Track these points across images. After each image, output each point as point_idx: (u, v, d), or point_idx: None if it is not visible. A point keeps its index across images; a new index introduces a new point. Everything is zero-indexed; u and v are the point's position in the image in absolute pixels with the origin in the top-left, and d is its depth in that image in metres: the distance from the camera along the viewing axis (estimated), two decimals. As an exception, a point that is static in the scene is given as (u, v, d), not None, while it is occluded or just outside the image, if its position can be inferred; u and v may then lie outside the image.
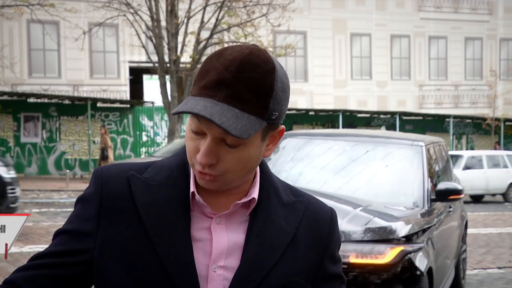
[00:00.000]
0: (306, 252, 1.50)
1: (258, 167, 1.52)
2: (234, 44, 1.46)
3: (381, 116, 27.90)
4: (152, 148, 24.24)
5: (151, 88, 28.88)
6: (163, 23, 17.41)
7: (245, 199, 1.47)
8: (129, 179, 1.47)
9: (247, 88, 1.34)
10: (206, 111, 1.32)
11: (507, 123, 28.85)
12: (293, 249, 1.48)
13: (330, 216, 1.59)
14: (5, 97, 22.88)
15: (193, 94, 1.39)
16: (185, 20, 17.20)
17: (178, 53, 17.24)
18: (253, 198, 1.47)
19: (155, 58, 18.13)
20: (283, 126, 1.47)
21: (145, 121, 25.09)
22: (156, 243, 1.41)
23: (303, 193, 1.59)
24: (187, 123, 1.43)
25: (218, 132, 1.35)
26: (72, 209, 1.62)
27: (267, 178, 1.53)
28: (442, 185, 5.92)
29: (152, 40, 17.49)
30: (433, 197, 5.81)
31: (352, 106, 30.23)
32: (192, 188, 1.45)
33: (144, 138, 25.05)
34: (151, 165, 1.52)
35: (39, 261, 1.48)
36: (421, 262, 4.91)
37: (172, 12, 16.97)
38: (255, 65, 1.36)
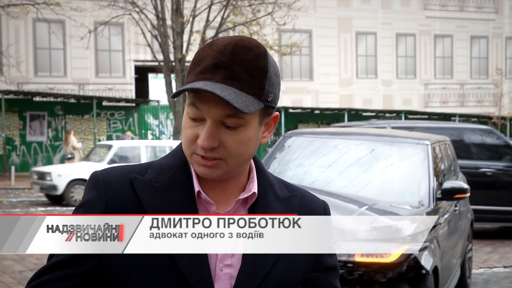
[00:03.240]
0: None
1: (253, 163, 1.55)
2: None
3: (387, 114, 27.86)
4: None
5: (157, 86, 28.92)
6: (169, 22, 17.43)
7: (246, 194, 1.48)
8: (132, 182, 1.46)
9: (243, 69, 1.38)
10: (206, 87, 1.35)
11: (513, 121, 28.78)
12: None
13: (323, 209, 1.62)
14: (11, 96, 22.93)
15: (188, 82, 1.41)
16: (191, 19, 17.21)
17: (184, 51, 17.25)
18: (254, 193, 1.49)
19: (160, 56, 18.14)
20: (277, 113, 1.51)
21: (150, 119, 25.13)
22: None
23: (297, 188, 1.61)
24: (184, 113, 1.43)
25: (218, 115, 1.38)
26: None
27: (262, 174, 1.55)
28: (448, 184, 5.91)
29: (157, 39, 17.50)
30: (439, 196, 5.80)
31: (357, 104, 30.19)
32: (197, 187, 1.46)
33: (150, 137, 25.07)
34: (150, 166, 1.51)
35: (45, 278, 1.42)
36: (426, 261, 4.90)
37: (177, 10, 16.98)
38: (248, 49, 1.40)
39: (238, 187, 1.51)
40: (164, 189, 1.46)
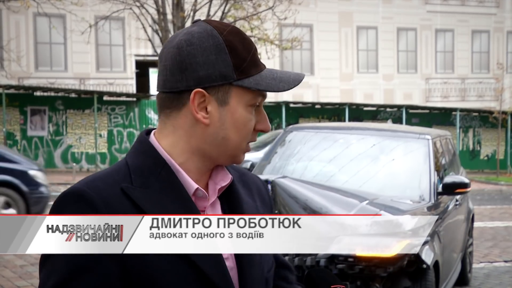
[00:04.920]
0: None
1: None
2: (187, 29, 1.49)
3: (388, 109, 27.81)
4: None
5: (157, 81, 28.82)
6: (169, 17, 17.40)
7: (227, 181, 1.50)
8: (125, 192, 1.40)
9: None
10: (285, 75, 1.51)
11: (514, 116, 28.71)
12: None
13: (263, 182, 1.68)
14: (11, 91, 22.91)
15: (254, 72, 1.45)
16: (191, 14, 17.17)
17: (184, 46, 17.23)
18: (231, 179, 1.52)
19: (161, 51, 18.13)
20: None
21: (151, 114, 25.08)
22: None
23: (239, 167, 1.64)
24: (243, 107, 1.43)
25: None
26: None
27: None
28: (448, 179, 5.91)
29: (158, 34, 17.47)
30: (440, 190, 5.80)
31: (358, 99, 30.15)
32: (195, 184, 1.45)
33: (151, 132, 25.05)
34: (127, 170, 1.44)
35: None
36: (427, 256, 4.90)
37: (178, 5, 16.95)
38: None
39: (208, 174, 1.52)
40: (157, 192, 1.42)
